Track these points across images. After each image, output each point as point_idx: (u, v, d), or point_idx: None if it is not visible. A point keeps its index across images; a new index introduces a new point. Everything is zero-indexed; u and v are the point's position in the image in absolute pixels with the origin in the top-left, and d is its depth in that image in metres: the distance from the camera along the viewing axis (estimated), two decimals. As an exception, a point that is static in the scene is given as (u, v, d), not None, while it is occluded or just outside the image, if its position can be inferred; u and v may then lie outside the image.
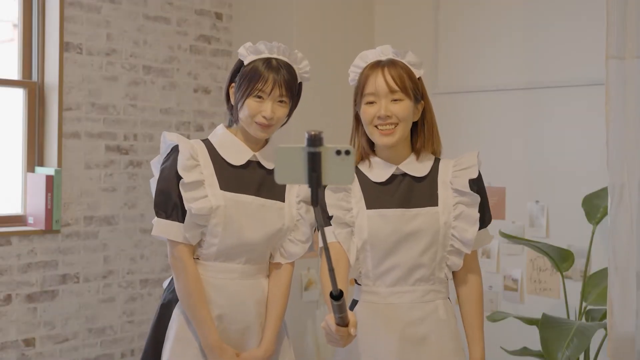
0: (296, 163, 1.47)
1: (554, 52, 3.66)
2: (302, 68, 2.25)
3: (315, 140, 1.45)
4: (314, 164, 1.45)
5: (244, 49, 2.23)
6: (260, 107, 2.15)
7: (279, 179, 1.50)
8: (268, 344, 2.23)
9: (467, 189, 2.11)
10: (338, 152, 1.47)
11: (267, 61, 2.18)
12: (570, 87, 3.59)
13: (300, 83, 2.27)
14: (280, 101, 2.18)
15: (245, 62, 2.21)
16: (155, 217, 2.16)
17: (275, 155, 1.49)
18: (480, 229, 2.13)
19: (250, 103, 2.16)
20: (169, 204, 2.14)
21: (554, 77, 3.65)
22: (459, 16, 4.04)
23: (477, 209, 2.11)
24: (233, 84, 2.23)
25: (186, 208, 2.12)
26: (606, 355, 2.80)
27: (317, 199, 1.47)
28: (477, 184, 2.14)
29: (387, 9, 4.37)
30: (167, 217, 2.14)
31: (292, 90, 2.20)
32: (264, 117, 2.15)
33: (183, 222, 2.14)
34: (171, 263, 2.18)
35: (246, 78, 2.17)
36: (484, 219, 2.15)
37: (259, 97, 2.16)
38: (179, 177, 2.13)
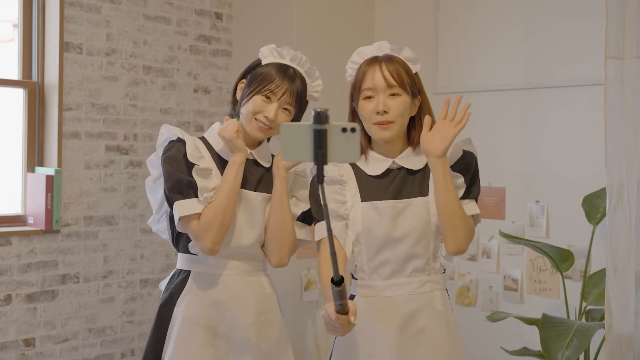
0: (302, 141, 1.48)
1: (554, 52, 3.65)
2: (314, 87, 2.27)
3: (321, 118, 1.46)
4: (320, 141, 1.46)
5: (267, 49, 2.24)
6: (265, 107, 2.17)
7: (285, 156, 1.51)
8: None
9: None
10: (344, 130, 1.47)
11: (286, 68, 2.20)
12: (570, 87, 3.59)
13: (307, 102, 2.28)
14: (286, 109, 2.19)
15: (264, 62, 2.22)
16: (175, 202, 2.14)
17: (280, 132, 1.50)
18: (466, 198, 2.13)
19: (257, 100, 2.17)
20: (183, 184, 2.14)
21: (554, 77, 3.65)
22: (459, 16, 4.04)
23: (462, 191, 2.12)
24: (244, 80, 2.24)
25: (199, 195, 2.13)
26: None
27: (322, 177, 1.48)
28: (462, 161, 2.15)
29: (387, 9, 4.37)
30: (186, 197, 2.14)
31: (300, 102, 2.22)
32: (266, 117, 2.16)
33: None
34: (198, 230, 2.12)
35: (260, 76, 2.19)
36: (471, 190, 2.15)
37: (267, 97, 2.17)
38: (188, 163, 2.14)
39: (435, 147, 2.06)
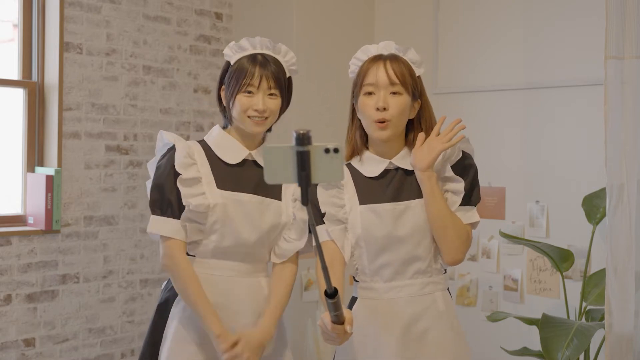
0: (285, 162, 1.47)
1: (554, 52, 3.65)
2: (288, 61, 2.26)
3: (303, 139, 1.45)
4: (303, 163, 1.45)
5: (228, 49, 2.24)
6: (251, 102, 2.17)
7: (268, 178, 1.50)
8: (266, 327, 2.17)
9: (450, 173, 2.12)
10: (327, 150, 1.46)
11: (253, 57, 2.20)
12: (570, 87, 3.59)
13: (290, 78, 2.27)
14: (271, 94, 2.19)
15: (232, 62, 2.22)
16: (151, 215, 2.18)
17: (263, 155, 1.49)
18: (466, 205, 2.12)
19: (241, 99, 2.17)
20: (164, 201, 2.16)
21: (554, 77, 3.65)
22: (459, 16, 4.04)
23: (461, 196, 2.10)
24: (223, 86, 2.25)
25: (184, 203, 2.14)
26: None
27: (307, 198, 1.47)
28: (461, 164, 2.14)
29: (387, 9, 4.37)
30: (163, 214, 2.16)
31: (281, 83, 2.21)
32: (256, 110, 2.16)
33: (178, 219, 2.16)
34: (163, 263, 2.19)
35: (234, 76, 2.19)
36: (471, 197, 2.14)
37: (249, 92, 2.17)
38: (176, 174, 2.15)
39: (421, 161, 2.07)
